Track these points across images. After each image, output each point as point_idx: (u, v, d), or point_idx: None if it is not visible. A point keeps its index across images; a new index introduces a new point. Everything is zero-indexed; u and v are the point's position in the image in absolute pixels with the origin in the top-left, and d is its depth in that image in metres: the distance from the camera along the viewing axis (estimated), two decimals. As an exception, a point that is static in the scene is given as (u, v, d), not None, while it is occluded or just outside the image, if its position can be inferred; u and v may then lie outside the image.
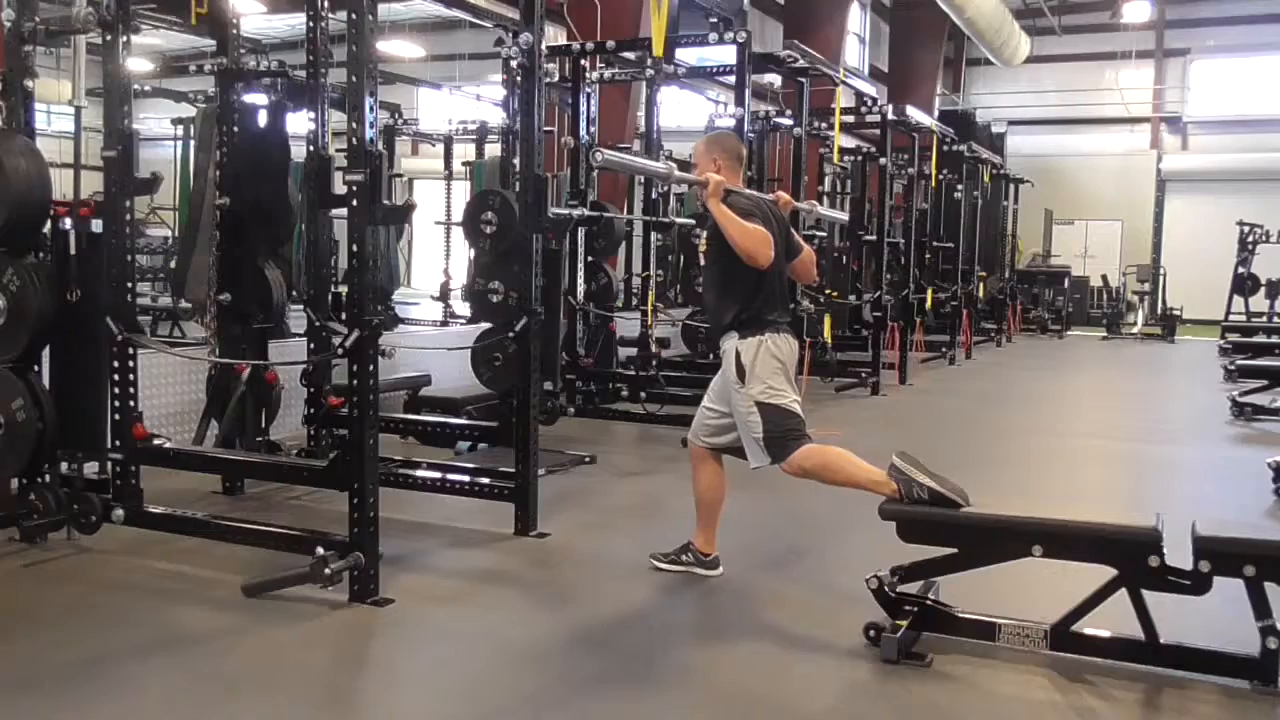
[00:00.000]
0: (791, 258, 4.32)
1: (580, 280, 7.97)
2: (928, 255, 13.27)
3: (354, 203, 3.90)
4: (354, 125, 3.87)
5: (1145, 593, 3.36)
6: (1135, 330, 18.27)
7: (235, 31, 5.44)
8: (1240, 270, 16.25)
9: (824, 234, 11.96)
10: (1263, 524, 5.52)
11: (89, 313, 4.45)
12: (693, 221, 8.80)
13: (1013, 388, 11.57)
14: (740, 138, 7.51)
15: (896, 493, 3.68)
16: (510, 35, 5.91)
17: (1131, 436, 8.60)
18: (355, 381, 3.91)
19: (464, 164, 11.74)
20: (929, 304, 12.53)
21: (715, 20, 8.31)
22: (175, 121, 10.70)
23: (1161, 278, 20.41)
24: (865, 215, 12.03)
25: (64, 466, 4.52)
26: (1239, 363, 10.50)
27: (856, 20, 21.35)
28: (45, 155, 4.46)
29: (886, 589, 3.60)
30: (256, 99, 5.44)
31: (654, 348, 7.99)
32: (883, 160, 11.54)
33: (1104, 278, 20.57)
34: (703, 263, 4.35)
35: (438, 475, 5.41)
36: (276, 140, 5.39)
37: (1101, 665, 3.44)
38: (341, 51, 4.01)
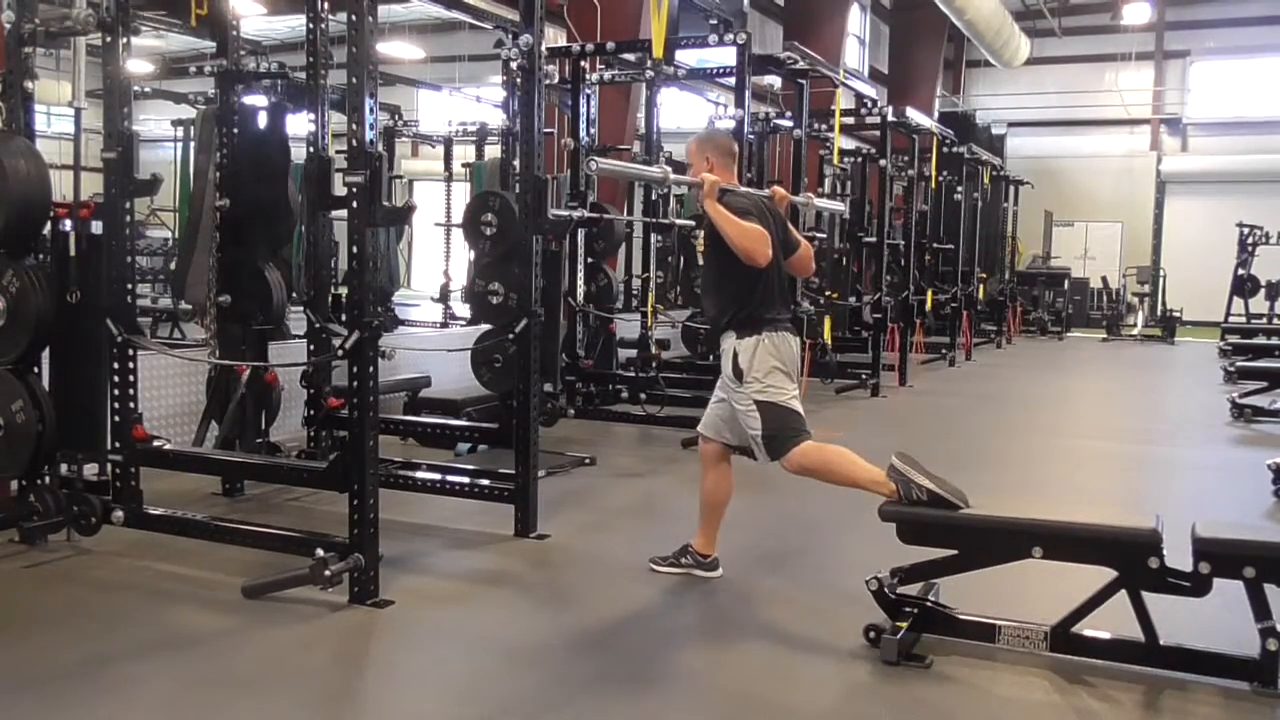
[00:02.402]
0: (789, 253, 4.30)
1: (580, 282, 7.97)
2: (927, 257, 13.27)
3: (354, 204, 3.90)
4: (354, 127, 3.88)
5: (1145, 594, 3.36)
6: (1135, 332, 18.27)
7: (235, 33, 5.44)
8: (1240, 272, 16.24)
9: (823, 235, 11.98)
10: (1263, 525, 5.53)
11: (89, 314, 4.46)
12: (692, 223, 8.80)
13: (1013, 389, 11.57)
14: (740, 139, 7.57)
15: (895, 494, 3.68)
16: (510, 37, 5.90)
17: (1131, 438, 8.60)
18: (355, 383, 3.91)
19: (464, 165, 11.74)
20: (929, 305, 12.52)
21: (715, 22, 8.34)
22: (175, 123, 10.70)
23: (1161, 279, 20.41)
24: (865, 217, 12.03)
25: (64, 468, 4.52)
26: (1239, 364, 10.49)
27: (856, 22, 21.36)
28: (45, 156, 4.46)
29: (886, 590, 3.60)
30: (256, 100, 5.43)
31: (654, 349, 7.99)
32: (883, 162, 11.55)
33: (1104, 279, 20.58)
34: (701, 262, 4.34)
35: (438, 477, 5.41)
36: (276, 142, 5.39)
37: (1101, 667, 3.44)
38: (341, 53, 4.01)
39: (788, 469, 4.03)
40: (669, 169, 4.29)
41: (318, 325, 5.51)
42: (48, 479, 4.50)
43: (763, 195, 4.33)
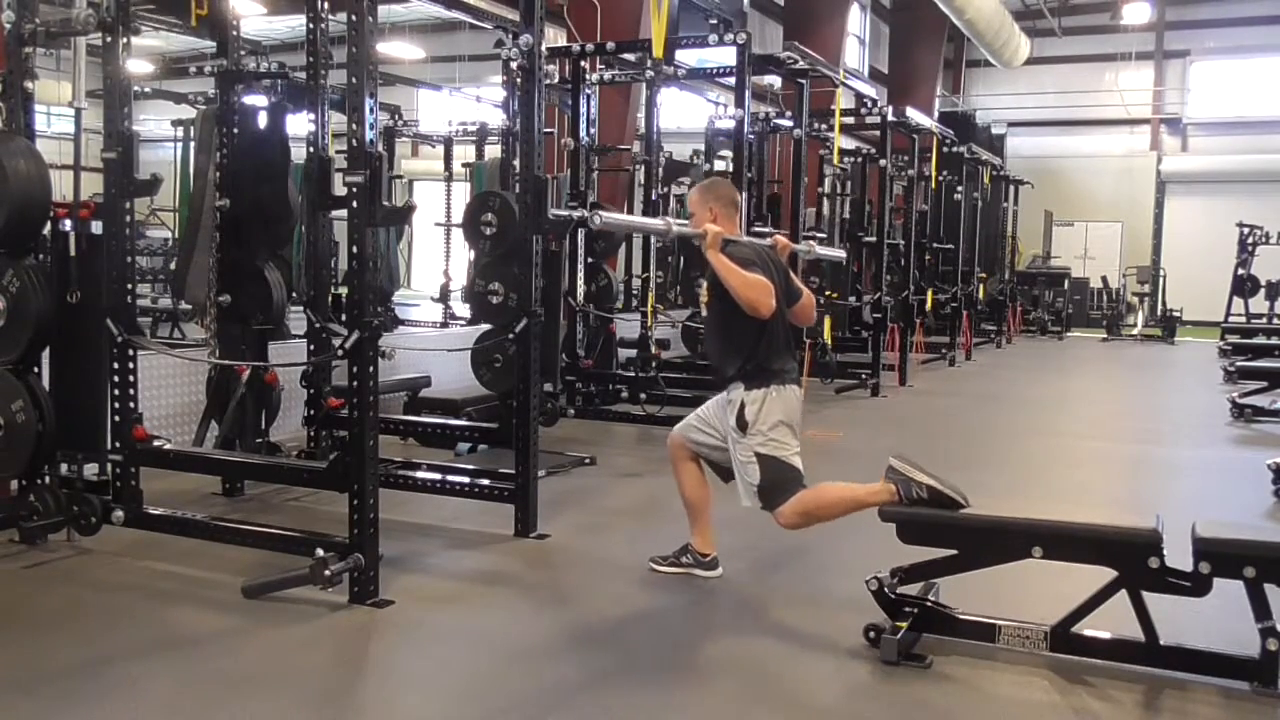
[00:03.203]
0: (792, 303, 4.26)
1: (580, 282, 7.97)
2: (927, 257, 13.27)
3: (354, 204, 3.90)
4: (354, 127, 3.88)
5: (1145, 594, 3.36)
6: (1135, 332, 18.27)
7: (235, 33, 5.45)
8: (1240, 272, 16.24)
9: (823, 235, 11.98)
10: (1263, 525, 5.53)
11: (89, 314, 4.46)
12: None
13: (1013, 389, 11.57)
14: (740, 139, 7.59)
15: (895, 495, 3.67)
16: (510, 37, 5.90)
17: (1131, 438, 8.60)
18: (355, 383, 3.91)
19: (464, 165, 11.75)
20: (929, 305, 12.52)
21: (715, 22, 8.33)
22: (175, 123, 10.71)
23: (1161, 279, 20.41)
24: (865, 217, 12.03)
25: (64, 468, 4.52)
26: (1239, 364, 10.50)
27: (856, 21, 21.36)
28: (45, 157, 4.46)
29: (886, 590, 3.61)
30: (256, 100, 5.43)
31: (654, 349, 7.99)
32: (883, 162, 11.56)
33: (1104, 279, 20.58)
34: (704, 312, 4.31)
35: (438, 477, 5.41)
36: (276, 142, 5.39)
37: (1101, 667, 3.44)
38: (341, 53, 4.01)
39: (782, 524, 3.99)
40: (671, 221, 4.27)
41: (318, 325, 5.51)
42: (48, 479, 4.50)
43: (764, 245, 4.29)
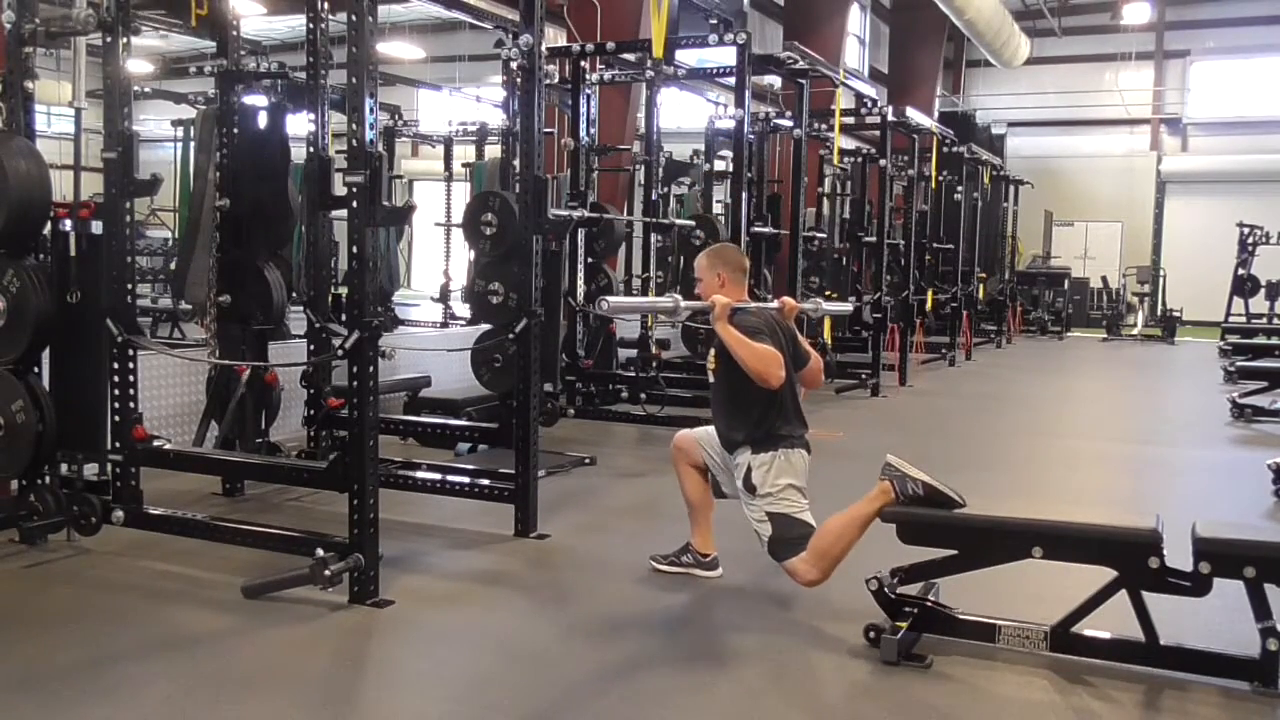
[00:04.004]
0: (799, 367, 4.23)
1: (580, 282, 7.97)
2: (927, 257, 13.27)
3: (354, 204, 3.90)
4: (354, 127, 3.88)
5: (1145, 594, 3.36)
6: (1135, 332, 18.28)
7: (235, 33, 5.44)
8: (1240, 272, 16.25)
9: (823, 235, 11.99)
10: (1263, 525, 5.53)
11: (89, 314, 4.45)
12: (692, 223, 8.81)
13: (1013, 389, 11.57)
14: (740, 139, 7.59)
15: (891, 493, 3.67)
16: (510, 37, 5.90)
17: (1131, 438, 8.60)
18: (355, 383, 3.91)
19: (464, 165, 11.75)
20: (929, 305, 12.53)
21: (715, 22, 8.32)
22: (175, 123, 10.70)
23: (1161, 279, 20.43)
24: (865, 217, 12.03)
25: (64, 468, 4.52)
26: (1239, 364, 10.50)
27: (856, 21, 21.36)
28: (45, 157, 4.46)
29: (886, 590, 3.61)
30: (256, 100, 5.43)
31: (654, 349, 7.99)
32: (883, 162, 11.56)
33: (1104, 279, 20.59)
34: (711, 380, 4.30)
35: (438, 477, 5.41)
36: (276, 142, 5.38)
37: (1101, 667, 3.44)
38: (341, 53, 4.01)
39: (801, 582, 3.91)
40: (679, 299, 4.22)
41: (318, 325, 5.51)
42: (48, 479, 4.50)
43: (771, 309, 4.26)
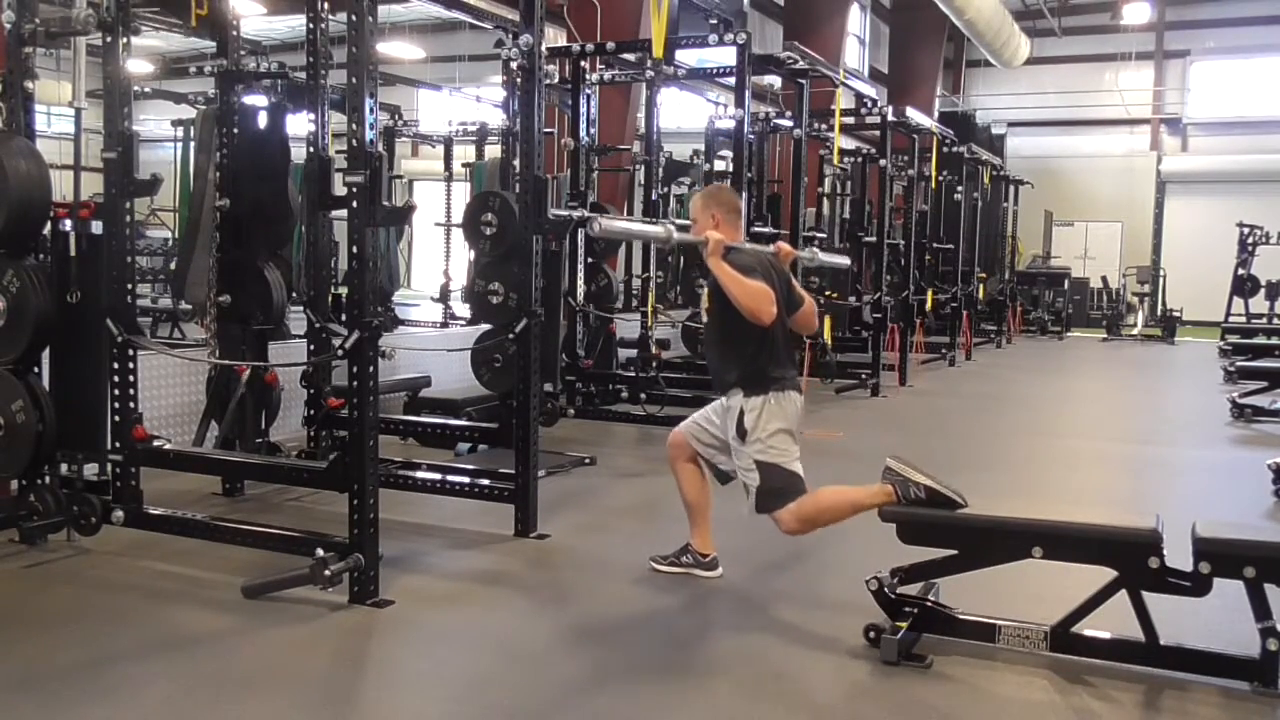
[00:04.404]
0: (793, 310, 4.25)
1: (580, 281, 7.97)
2: (927, 257, 13.27)
3: (354, 204, 3.90)
4: (354, 127, 3.88)
5: (1145, 594, 3.36)
6: (1135, 332, 18.27)
7: (235, 33, 5.44)
8: (1240, 272, 16.25)
9: (823, 235, 11.98)
10: (1263, 525, 5.53)
11: (89, 314, 4.46)
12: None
13: (1013, 389, 11.57)
14: (740, 139, 7.59)
15: (893, 497, 3.68)
16: (510, 37, 5.90)
17: (1131, 438, 8.60)
18: (355, 383, 3.92)
19: (464, 165, 11.74)
20: (929, 305, 12.53)
21: (715, 22, 8.33)
22: (175, 123, 10.70)
23: (1161, 279, 20.42)
24: (865, 217, 12.03)
25: (64, 468, 4.52)
26: (1239, 364, 10.50)
27: (856, 21, 21.36)
28: (45, 157, 4.46)
29: (886, 590, 3.61)
30: (256, 100, 5.43)
31: (654, 349, 7.99)
32: (883, 162, 11.56)
33: (1104, 279, 20.59)
34: (704, 319, 4.31)
35: (438, 477, 5.41)
36: (276, 142, 5.39)
37: (1101, 667, 3.44)
38: (341, 53, 4.01)
39: (783, 530, 3.99)
40: (672, 228, 4.23)
41: (318, 325, 5.51)
42: (48, 479, 4.50)
43: (767, 252, 4.28)
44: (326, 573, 3.82)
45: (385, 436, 5.26)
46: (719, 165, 10.13)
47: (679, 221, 4.35)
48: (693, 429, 4.33)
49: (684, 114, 12.78)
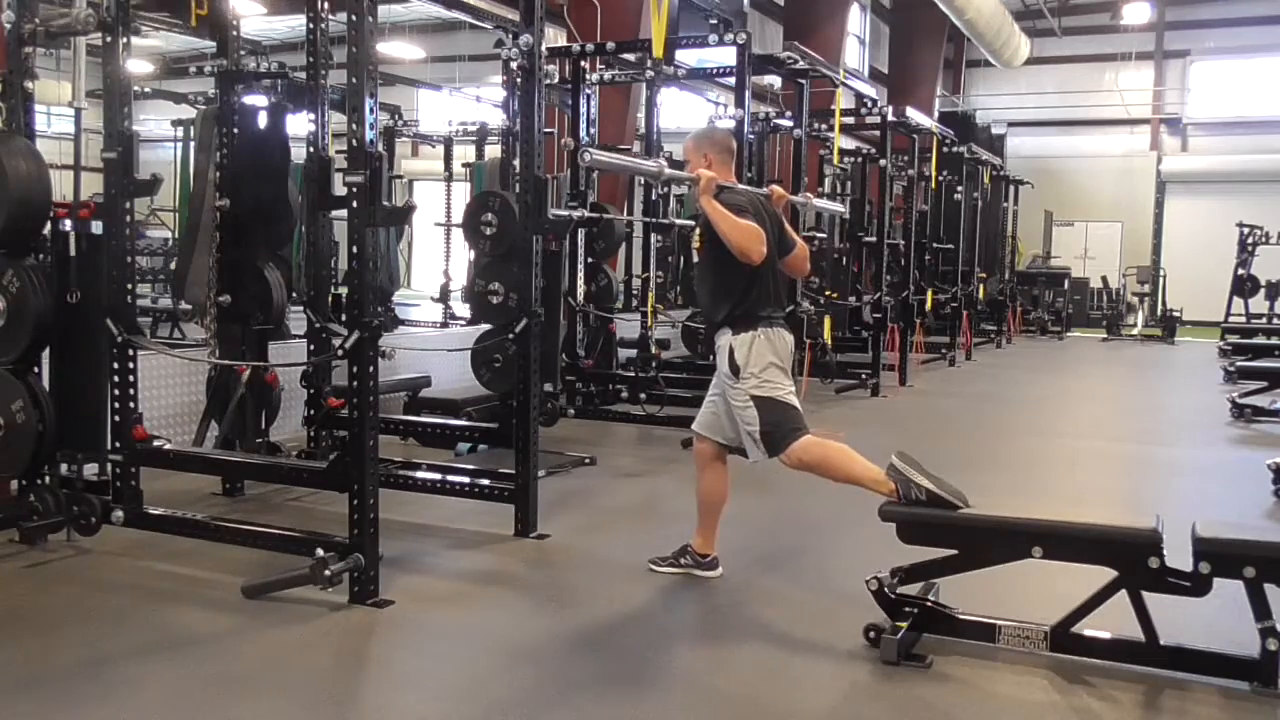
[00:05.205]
0: (784, 253, 4.29)
1: (580, 281, 7.97)
2: (927, 257, 13.26)
3: (354, 204, 3.90)
4: (354, 126, 3.88)
5: (1145, 594, 3.36)
6: (1135, 332, 18.27)
7: (235, 33, 5.44)
8: (1240, 272, 16.25)
9: (823, 235, 11.98)
10: (1263, 525, 5.53)
11: (89, 314, 4.46)
12: (692, 223, 8.80)
13: (1013, 389, 11.57)
14: (740, 139, 7.57)
15: (895, 493, 3.68)
16: (510, 37, 5.90)
17: (1131, 438, 8.60)
18: (355, 383, 3.91)
19: (464, 165, 11.75)
20: (929, 305, 12.53)
21: (715, 22, 8.35)
22: (175, 123, 10.71)
23: (1161, 279, 20.41)
24: (865, 217, 12.03)
25: (64, 468, 4.51)
26: (1239, 364, 10.49)
27: (856, 21, 21.36)
28: (45, 157, 4.46)
29: (886, 590, 3.60)
30: (256, 100, 5.43)
31: (654, 349, 7.99)
32: (882, 162, 11.56)
33: (1104, 279, 20.58)
34: (696, 258, 4.34)
35: (437, 477, 5.41)
36: (276, 142, 5.39)
37: (1101, 667, 3.44)
38: (341, 53, 4.01)
39: (787, 464, 4.03)
40: (664, 163, 4.26)
41: (318, 325, 5.51)
42: (48, 479, 4.50)
43: (760, 194, 4.32)
44: (326, 573, 3.82)
45: (385, 436, 5.26)
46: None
47: (671, 170, 4.35)
48: (703, 421, 4.31)
49: (684, 114, 12.79)
